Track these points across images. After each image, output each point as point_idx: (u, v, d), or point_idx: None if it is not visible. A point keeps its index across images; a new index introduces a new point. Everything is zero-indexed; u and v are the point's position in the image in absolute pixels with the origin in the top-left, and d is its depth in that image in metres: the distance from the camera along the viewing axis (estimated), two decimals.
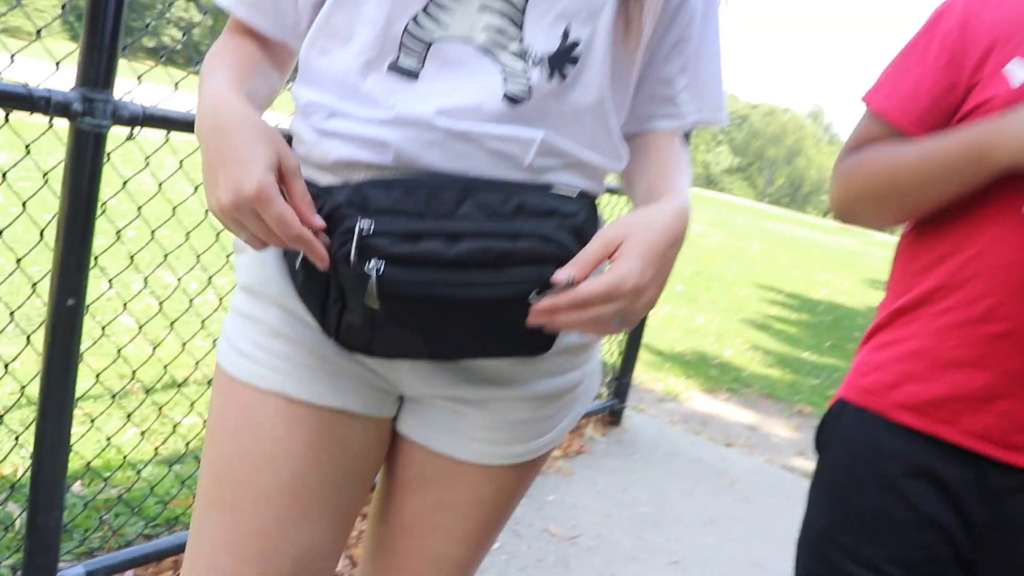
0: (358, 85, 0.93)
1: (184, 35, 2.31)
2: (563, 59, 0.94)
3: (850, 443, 1.22)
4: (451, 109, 0.91)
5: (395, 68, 0.93)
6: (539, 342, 0.95)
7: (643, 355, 5.28)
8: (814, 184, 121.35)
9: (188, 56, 2.26)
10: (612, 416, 4.01)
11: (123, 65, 1.69)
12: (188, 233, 2.14)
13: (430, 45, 0.92)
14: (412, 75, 0.93)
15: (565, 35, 0.94)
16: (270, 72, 1.03)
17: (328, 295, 0.92)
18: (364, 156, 0.93)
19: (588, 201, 0.96)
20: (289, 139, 1.04)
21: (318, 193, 0.92)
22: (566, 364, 1.07)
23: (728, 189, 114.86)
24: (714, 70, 1.11)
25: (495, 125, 0.92)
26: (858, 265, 21.29)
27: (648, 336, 5.79)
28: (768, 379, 6.10)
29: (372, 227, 0.85)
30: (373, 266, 0.85)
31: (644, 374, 5.20)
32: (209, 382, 2.67)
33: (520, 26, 0.93)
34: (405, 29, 0.92)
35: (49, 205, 1.69)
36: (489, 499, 1.11)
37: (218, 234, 2.19)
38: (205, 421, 2.48)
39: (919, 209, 1.16)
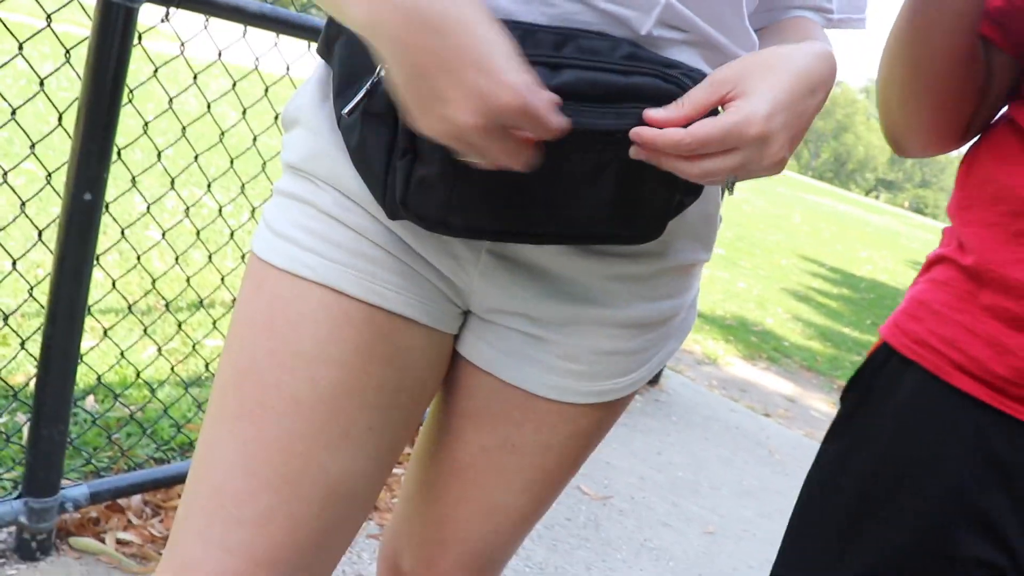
0: None
1: None
2: None
3: (901, 405, 0.93)
4: None
5: None
6: (649, 224, 0.77)
7: None
8: (860, 162, 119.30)
9: None
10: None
11: None
12: (222, 133, 1.97)
13: None
14: None
15: None
16: None
17: (392, 150, 0.72)
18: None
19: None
20: None
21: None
22: (668, 287, 0.89)
23: None
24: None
25: None
26: (901, 246, 20.86)
27: None
28: (809, 351, 5.89)
29: None
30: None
31: None
32: (234, 301, 2.52)
33: None
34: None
35: (72, 93, 1.51)
36: (560, 443, 0.94)
37: (254, 139, 2.02)
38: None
39: (930, 72, 0.91)
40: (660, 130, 0.67)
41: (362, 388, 0.81)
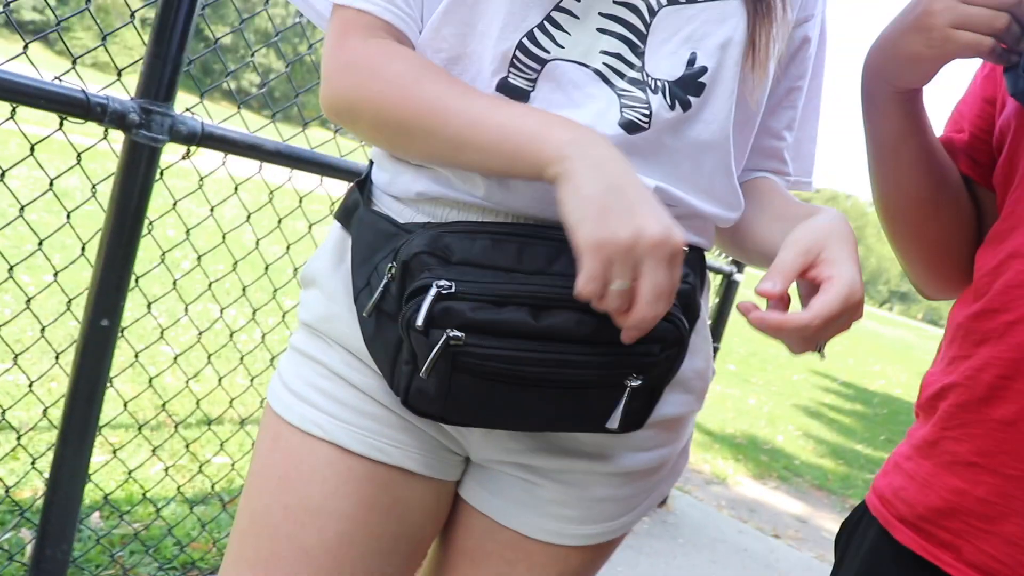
0: None
1: (263, 83, 2.24)
2: (687, 86, 0.84)
3: (852, 557, 0.96)
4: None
5: (504, 87, 0.82)
6: (633, 417, 0.82)
7: (693, 434, 5.09)
8: (872, 273, 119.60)
9: (263, 101, 2.21)
10: None
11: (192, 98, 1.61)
12: (235, 263, 2.04)
13: (544, 64, 0.82)
14: (523, 95, 0.82)
15: (691, 61, 0.83)
16: None
17: (399, 352, 0.79)
18: (451, 192, 0.83)
19: (698, 259, 0.87)
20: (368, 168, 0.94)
21: (395, 233, 0.82)
22: (657, 439, 0.94)
23: None
24: (813, 131, 1.02)
25: None
26: (915, 358, 20.74)
27: (699, 414, 5.60)
28: (820, 469, 5.83)
29: (453, 287, 0.73)
30: (449, 335, 0.73)
31: (693, 454, 4.99)
32: (243, 422, 2.56)
33: (641, 52, 0.83)
34: (518, 45, 0.82)
35: (95, 222, 1.59)
36: None
37: (266, 267, 2.10)
38: (234, 463, 2.37)
39: None
40: (785, 315, 0.74)
41: (364, 538, 0.89)
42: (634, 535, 3.39)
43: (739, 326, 11.99)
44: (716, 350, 3.78)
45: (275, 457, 0.91)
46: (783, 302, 0.76)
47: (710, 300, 3.72)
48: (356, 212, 0.89)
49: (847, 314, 0.75)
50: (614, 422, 0.81)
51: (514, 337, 0.74)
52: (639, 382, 0.78)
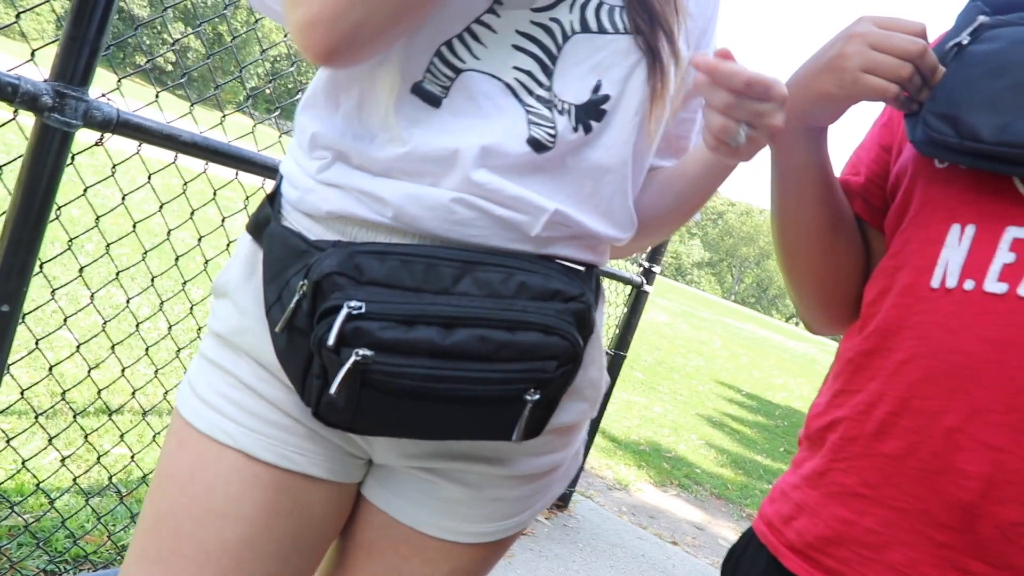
0: (375, 106, 0.85)
1: (180, 64, 2.20)
2: (591, 112, 0.88)
3: None
4: (470, 148, 0.83)
5: (418, 91, 0.85)
6: (530, 427, 0.86)
7: (598, 440, 5.16)
8: (781, 288, 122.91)
9: (179, 81, 2.16)
10: (560, 500, 3.86)
11: (110, 77, 1.58)
12: (145, 252, 2.01)
13: (459, 73, 0.85)
14: (435, 101, 0.85)
15: (596, 88, 0.88)
16: None
17: (310, 366, 0.81)
18: (361, 211, 0.85)
19: (593, 277, 0.92)
20: (278, 180, 0.95)
21: (306, 250, 0.83)
22: (551, 444, 0.98)
23: (696, 283, 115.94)
24: None
25: (510, 180, 0.85)
26: (818, 372, 21.37)
27: (604, 421, 5.68)
28: (720, 478, 5.98)
29: (363, 308, 0.76)
30: (358, 355, 0.76)
31: (596, 459, 5.07)
32: (144, 413, 2.51)
33: (550, 73, 0.87)
34: (436, 52, 0.85)
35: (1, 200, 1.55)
36: None
37: (176, 259, 2.06)
38: (134, 455, 2.32)
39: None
40: (724, 63, 0.80)
41: (266, 541, 0.91)
42: (534, 538, 3.43)
43: (651, 333, 12.08)
44: (623, 358, 3.85)
45: (181, 461, 0.92)
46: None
47: (620, 310, 3.79)
48: (267, 227, 0.90)
49: (773, 98, 0.80)
50: (514, 433, 0.84)
51: (421, 356, 0.77)
52: (537, 396, 0.82)
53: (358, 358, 0.75)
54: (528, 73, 0.86)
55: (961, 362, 0.80)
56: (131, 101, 1.71)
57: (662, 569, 3.66)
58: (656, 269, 3.83)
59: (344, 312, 0.76)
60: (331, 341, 0.75)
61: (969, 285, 0.82)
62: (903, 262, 0.90)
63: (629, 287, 3.81)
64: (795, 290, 1.06)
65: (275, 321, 0.84)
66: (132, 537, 0.96)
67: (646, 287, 3.83)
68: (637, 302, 3.86)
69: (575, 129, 0.87)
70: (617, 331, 3.87)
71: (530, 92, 0.86)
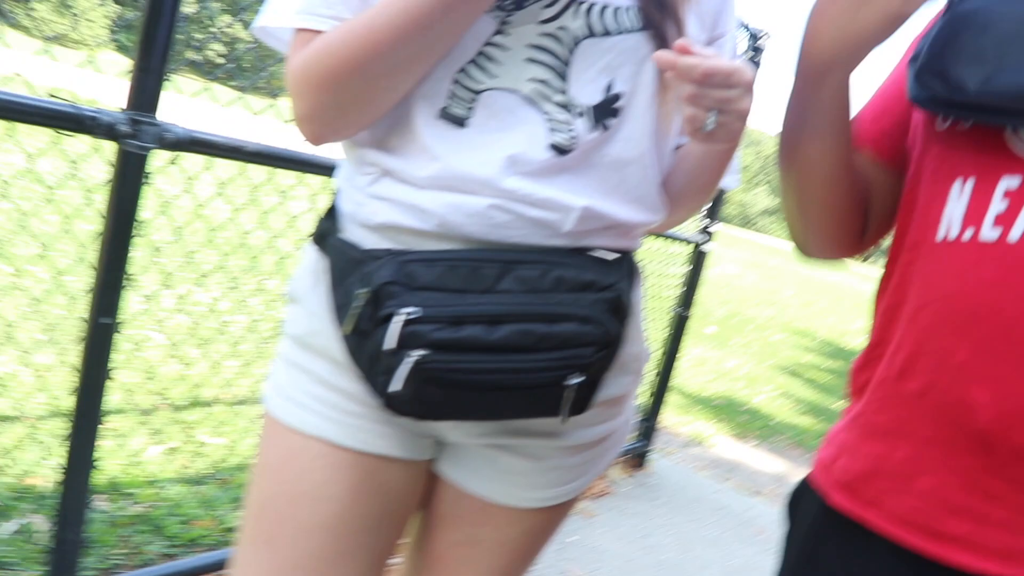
0: (410, 130, 0.95)
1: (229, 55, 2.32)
2: (606, 111, 0.97)
3: (798, 525, 1.07)
4: (498, 160, 0.93)
5: (445, 115, 0.95)
6: (576, 405, 0.96)
7: (672, 398, 5.23)
8: None
9: (229, 72, 2.27)
10: (638, 458, 3.97)
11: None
12: (225, 255, 2.15)
13: (478, 94, 0.94)
14: (460, 122, 0.95)
15: (608, 88, 0.96)
16: None
17: (376, 364, 0.92)
18: (408, 222, 0.95)
19: (627, 263, 1.01)
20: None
21: (362, 259, 0.94)
22: (602, 415, 1.08)
23: (765, 230, 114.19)
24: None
25: (539, 184, 0.94)
26: None
27: (677, 378, 5.74)
28: (798, 428, 6.01)
29: (418, 313, 0.87)
30: (414, 355, 0.87)
31: (672, 417, 5.15)
32: (238, 403, 2.68)
33: (564, 78, 0.95)
34: (454, 79, 0.94)
35: (81, 213, 1.70)
36: (515, 539, 1.13)
37: (253, 258, 2.21)
38: (232, 443, 2.49)
39: None
40: (686, 57, 0.87)
41: (355, 516, 1.04)
42: (614, 497, 3.55)
43: (718, 289, 11.94)
44: (687, 317, 3.92)
45: (274, 453, 1.05)
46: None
47: (684, 270, 3.84)
48: (328, 239, 1.02)
49: (736, 84, 0.87)
50: (562, 412, 0.95)
51: (471, 351, 0.88)
52: (579, 379, 0.92)
53: (416, 358, 0.87)
54: (543, 82, 0.95)
55: (965, 305, 0.87)
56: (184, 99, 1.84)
57: (743, 520, 3.74)
58: (714, 228, 3.88)
59: (401, 318, 0.87)
60: (391, 345, 0.87)
61: (968, 235, 0.88)
62: (914, 220, 0.97)
63: (691, 246, 3.88)
64: (801, 216, 1.10)
65: (342, 325, 0.96)
66: (240, 523, 1.09)
67: (705, 246, 3.88)
68: (698, 261, 3.92)
69: (593, 129, 0.96)
70: (682, 290, 3.94)
71: (548, 99, 0.95)
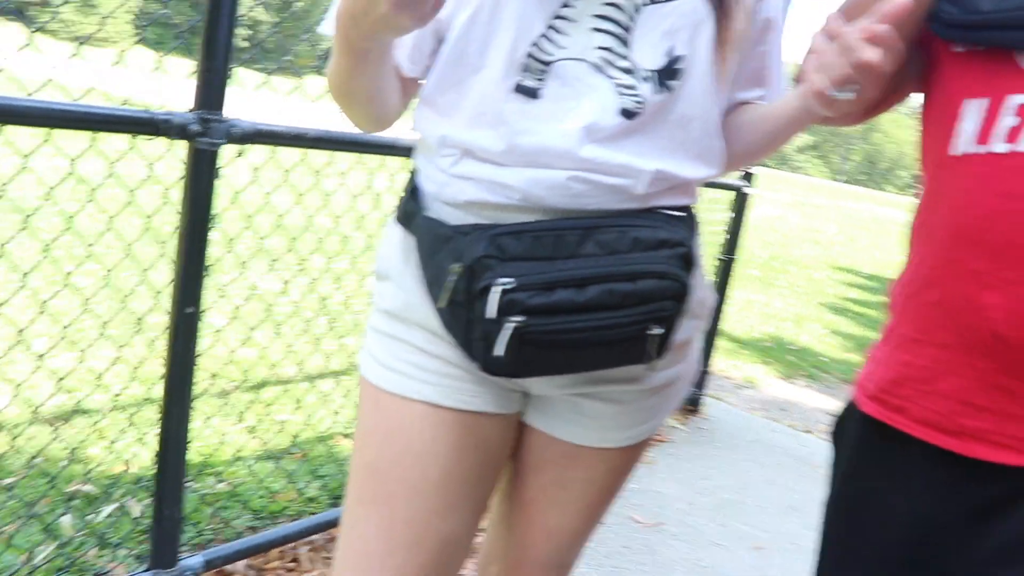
0: (488, 107, 1.03)
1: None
2: (669, 73, 1.04)
3: (843, 447, 1.16)
4: (574, 130, 1.00)
5: (521, 89, 1.02)
6: (655, 351, 1.05)
7: (721, 343, 5.30)
8: (892, 160, 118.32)
9: (254, 56, 2.36)
10: (692, 404, 4.06)
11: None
12: (293, 240, 2.26)
13: (550, 65, 1.02)
14: (534, 94, 1.02)
15: (669, 51, 1.04)
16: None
17: (472, 331, 1.02)
18: (493, 198, 1.04)
19: (690, 217, 1.10)
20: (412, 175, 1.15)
21: (451, 235, 1.03)
22: (673, 359, 1.17)
23: (802, 169, 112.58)
24: (782, 84, 1.22)
25: (613, 150, 1.02)
26: None
27: (725, 323, 5.81)
28: (848, 364, 6.05)
29: (512, 283, 0.96)
30: (513, 321, 0.96)
31: (722, 361, 5.23)
32: (310, 379, 2.80)
33: (628, 44, 1.03)
34: (527, 54, 1.02)
35: (160, 212, 1.81)
36: (600, 477, 1.24)
37: (320, 240, 2.31)
38: (308, 418, 2.61)
39: None
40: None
41: (459, 471, 1.13)
42: (671, 443, 3.65)
43: (760, 231, 11.85)
44: (732, 262, 3.98)
45: (379, 418, 1.14)
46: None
47: (727, 215, 3.89)
48: (415, 219, 1.11)
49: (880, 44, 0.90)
50: (645, 359, 1.04)
51: (563, 313, 0.97)
52: (660, 330, 1.01)
53: (516, 323, 0.96)
54: (609, 50, 1.02)
55: (979, 215, 0.95)
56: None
57: (799, 457, 3.83)
58: (755, 171, 3.91)
59: (499, 288, 0.96)
60: (492, 314, 0.96)
61: (981, 149, 0.95)
62: (932, 141, 1.04)
63: (732, 192, 3.92)
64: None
65: (435, 297, 1.05)
66: (347, 487, 1.19)
67: (747, 189, 3.92)
68: (741, 205, 3.96)
69: (658, 91, 1.03)
70: (726, 236, 3.99)
71: (614, 66, 1.02)
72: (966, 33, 0.98)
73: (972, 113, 0.97)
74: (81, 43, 1.96)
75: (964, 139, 0.98)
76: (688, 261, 1.03)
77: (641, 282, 0.99)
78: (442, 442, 1.12)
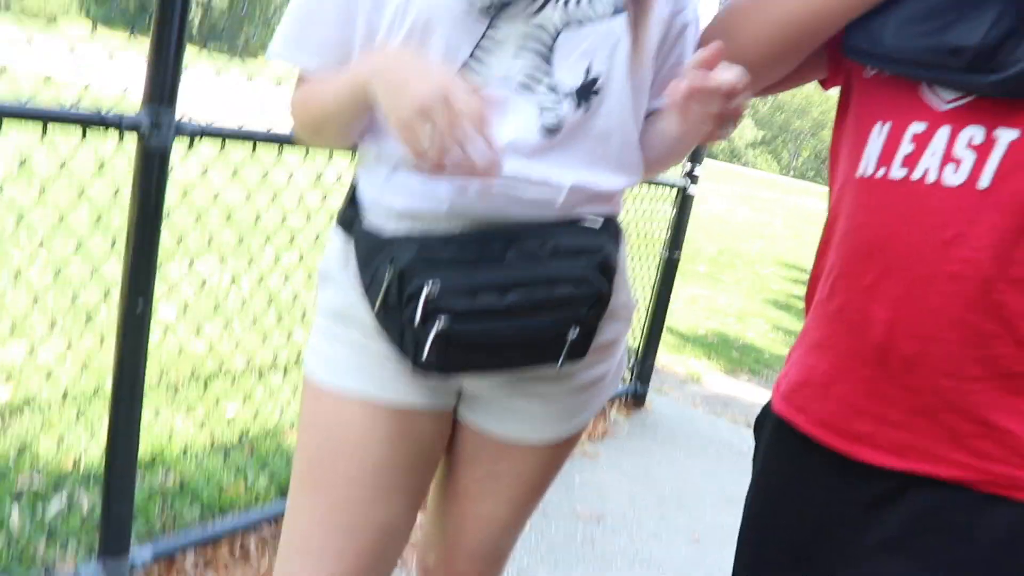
0: None
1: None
2: (587, 91, 1.11)
3: (761, 443, 1.24)
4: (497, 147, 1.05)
5: None
6: (577, 351, 1.11)
7: (666, 338, 5.39)
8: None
9: (206, 37, 2.37)
10: (636, 399, 4.14)
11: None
12: (240, 241, 2.29)
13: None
14: None
15: (587, 70, 1.10)
16: None
17: (404, 333, 1.07)
18: (423, 206, 1.10)
19: (611, 227, 1.16)
20: (353, 189, 1.20)
21: (386, 242, 1.09)
22: (599, 357, 1.24)
23: (752, 163, 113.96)
24: None
25: (534, 164, 1.08)
26: None
27: (671, 318, 5.90)
28: None
29: (438, 288, 1.02)
30: (439, 324, 1.02)
31: (667, 356, 5.32)
32: (259, 373, 2.83)
33: (550, 64, 1.09)
34: (457, 73, 1.06)
35: (103, 206, 1.83)
36: (530, 471, 1.31)
37: (268, 237, 2.34)
38: (256, 412, 2.64)
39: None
40: (699, 78, 1.00)
41: (394, 462, 1.20)
42: (615, 438, 3.73)
43: (708, 226, 11.95)
44: (677, 260, 4.07)
45: (318, 411, 1.21)
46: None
47: (670, 214, 3.97)
48: (354, 225, 1.17)
49: (735, 96, 0.99)
50: (560, 360, 1.11)
51: (486, 317, 1.04)
52: (577, 332, 1.08)
53: (440, 327, 1.02)
54: (532, 70, 1.08)
55: (874, 234, 1.03)
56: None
57: (739, 451, 3.93)
58: (698, 172, 4.00)
59: (425, 292, 1.02)
60: (420, 317, 1.02)
61: (881, 172, 1.03)
62: (841, 159, 1.12)
63: (675, 190, 3.99)
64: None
65: (372, 300, 1.10)
66: (292, 476, 1.25)
67: (691, 189, 4.01)
68: (684, 204, 4.05)
69: (577, 108, 1.10)
70: (670, 233, 4.08)
71: (537, 85, 1.08)
72: (872, 60, 1.06)
73: (876, 137, 1.05)
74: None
75: (866, 162, 1.06)
76: (606, 268, 1.10)
77: (559, 288, 1.06)
78: (377, 434, 1.18)
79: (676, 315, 6.62)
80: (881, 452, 1.04)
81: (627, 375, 4.13)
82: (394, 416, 1.19)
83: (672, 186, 3.98)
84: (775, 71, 1.19)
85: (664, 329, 4.23)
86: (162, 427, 2.56)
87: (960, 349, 0.97)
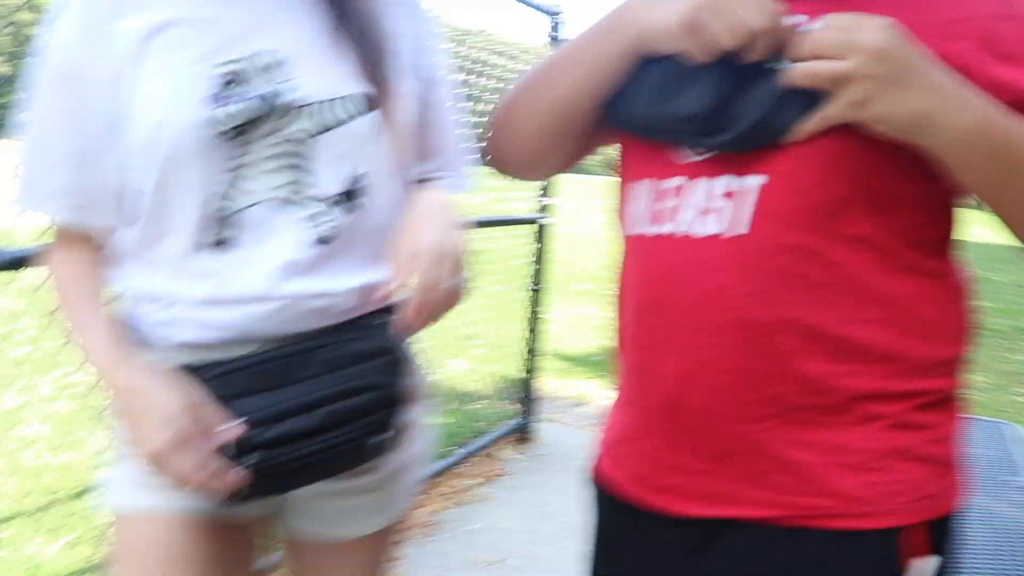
0: (188, 265, 1.08)
1: None
2: (356, 193, 1.11)
3: (591, 493, 1.23)
4: (273, 271, 1.07)
5: (217, 244, 1.07)
6: (386, 448, 1.14)
7: (552, 363, 5.43)
8: None
9: None
10: (524, 433, 4.18)
11: None
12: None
13: (239, 213, 1.07)
14: (230, 245, 1.07)
15: (352, 172, 1.11)
16: (103, 272, 1.15)
17: None
18: (207, 336, 1.08)
19: (391, 320, 1.14)
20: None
21: (179, 375, 1.06)
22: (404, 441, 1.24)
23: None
24: (457, 151, 1.30)
25: (315, 278, 1.09)
26: None
27: (556, 343, 5.95)
28: None
29: (246, 422, 1.03)
30: (251, 460, 1.03)
31: (554, 382, 5.35)
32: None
33: (312, 173, 1.09)
34: (217, 208, 1.06)
35: None
36: (369, 562, 1.31)
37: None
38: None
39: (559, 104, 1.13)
40: (407, 317, 1.05)
41: (210, 570, 1.15)
42: (509, 476, 3.76)
43: (586, 245, 11.93)
44: (540, 291, 4.12)
45: (123, 536, 1.16)
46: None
47: (532, 247, 4.00)
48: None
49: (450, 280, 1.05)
50: (371, 459, 1.14)
51: (297, 440, 1.05)
52: (381, 436, 1.11)
53: (252, 463, 1.03)
54: (294, 183, 1.07)
55: (651, 291, 1.07)
56: None
57: None
58: (551, 201, 4.07)
59: (231, 430, 1.02)
60: (229, 454, 1.02)
61: (650, 229, 1.07)
62: (620, 219, 1.15)
63: (534, 226, 4.06)
64: (538, 134, 1.19)
65: None
66: None
67: (544, 221, 4.08)
68: (542, 234, 4.12)
69: (349, 212, 1.10)
70: (534, 268, 4.13)
71: (303, 196, 1.08)
72: (624, 126, 1.10)
73: (641, 195, 1.09)
74: None
75: (629, 220, 1.11)
76: (398, 365, 1.12)
77: (363, 396, 1.08)
78: (179, 545, 1.13)
79: (561, 338, 6.67)
80: (692, 502, 1.06)
81: (512, 409, 4.16)
82: (207, 525, 1.15)
83: (530, 222, 4.03)
84: (561, 151, 1.21)
85: (548, 355, 4.26)
86: (26, 557, 2.45)
87: (744, 393, 1.01)
